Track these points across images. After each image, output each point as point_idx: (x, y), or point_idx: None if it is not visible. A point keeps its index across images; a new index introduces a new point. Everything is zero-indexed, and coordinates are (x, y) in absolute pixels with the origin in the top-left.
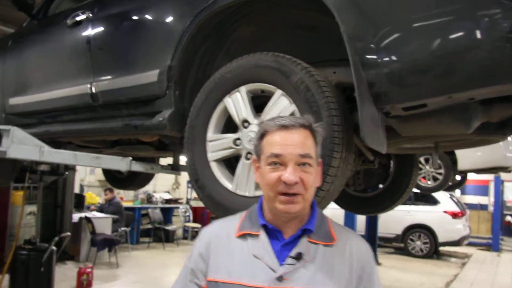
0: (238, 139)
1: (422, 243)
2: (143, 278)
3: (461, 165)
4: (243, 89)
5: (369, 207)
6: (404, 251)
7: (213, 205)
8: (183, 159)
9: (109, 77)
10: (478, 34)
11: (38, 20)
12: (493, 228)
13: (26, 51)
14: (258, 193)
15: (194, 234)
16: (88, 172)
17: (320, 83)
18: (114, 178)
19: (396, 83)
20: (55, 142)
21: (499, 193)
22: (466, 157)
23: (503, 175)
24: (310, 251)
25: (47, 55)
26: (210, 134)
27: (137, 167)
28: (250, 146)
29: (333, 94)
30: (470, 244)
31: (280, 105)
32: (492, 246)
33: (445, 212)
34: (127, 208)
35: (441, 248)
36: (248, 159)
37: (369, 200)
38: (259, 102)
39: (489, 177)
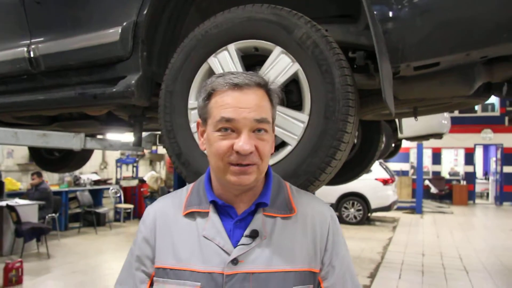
0: None
1: (355, 211)
2: (79, 267)
3: (402, 133)
4: (232, 47)
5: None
6: (339, 219)
7: None
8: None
9: (53, 37)
10: None
11: None
12: (416, 193)
13: None
14: None
15: (126, 216)
16: (5, 156)
17: (328, 38)
18: (44, 160)
19: (415, 39)
20: None
21: (421, 159)
22: (407, 125)
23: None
24: (266, 227)
25: None
26: (192, 101)
27: (93, 144)
28: None
29: (341, 51)
30: (396, 209)
31: (281, 64)
32: (416, 209)
33: (376, 179)
34: (53, 193)
35: (371, 214)
36: None
37: None
38: (247, 63)
39: (410, 144)
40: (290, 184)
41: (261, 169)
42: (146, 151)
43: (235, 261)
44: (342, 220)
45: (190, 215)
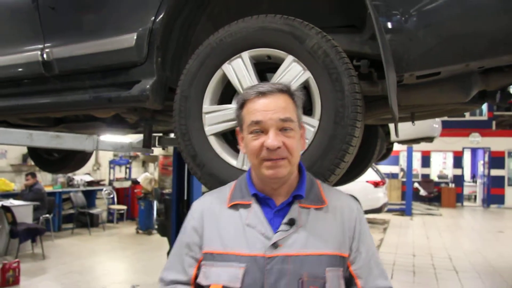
0: None
1: None
2: (74, 268)
3: (394, 137)
4: (246, 54)
5: None
6: None
7: (216, 184)
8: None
9: (67, 42)
10: (503, 2)
11: None
12: (406, 195)
13: None
14: None
15: (119, 217)
16: None
17: (338, 48)
18: (43, 161)
19: (420, 50)
20: None
21: (411, 162)
22: (400, 129)
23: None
24: (301, 216)
25: None
26: (207, 105)
27: (105, 146)
28: None
29: (349, 60)
30: (387, 211)
31: (292, 71)
32: (405, 211)
33: (368, 181)
34: (47, 194)
35: None
36: None
37: None
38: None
39: (400, 147)
40: (320, 181)
41: (292, 163)
42: (139, 153)
43: (275, 245)
44: None
45: (234, 207)
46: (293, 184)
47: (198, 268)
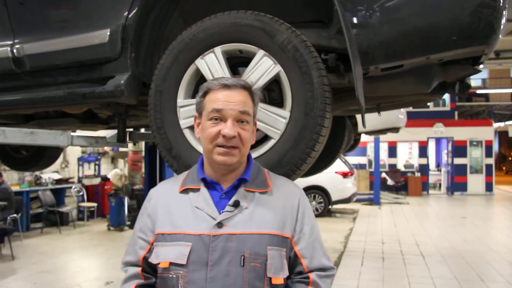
0: None
1: (317, 203)
2: (46, 267)
3: (361, 127)
4: (218, 49)
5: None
6: None
7: None
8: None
9: (38, 38)
10: (459, 1)
11: None
12: (374, 185)
13: None
14: None
15: (90, 214)
16: None
17: (307, 43)
18: (11, 159)
19: (384, 44)
20: None
21: (378, 152)
22: (366, 120)
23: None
24: (247, 199)
25: None
26: (181, 99)
27: (80, 141)
28: None
29: (317, 54)
30: (356, 201)
31: (264, 65)
32: (374, 200)
33: (336, 172)
34: (14, 193)
35: (332, 206)
36: None
37: None
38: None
39: (367, 138)
40: (268, 170)
41: (242, 153)
42: (107, 149)
43: (220, 225)
44: None
45: (185, 191)
46: (240, 171)
47: (150, 250)
